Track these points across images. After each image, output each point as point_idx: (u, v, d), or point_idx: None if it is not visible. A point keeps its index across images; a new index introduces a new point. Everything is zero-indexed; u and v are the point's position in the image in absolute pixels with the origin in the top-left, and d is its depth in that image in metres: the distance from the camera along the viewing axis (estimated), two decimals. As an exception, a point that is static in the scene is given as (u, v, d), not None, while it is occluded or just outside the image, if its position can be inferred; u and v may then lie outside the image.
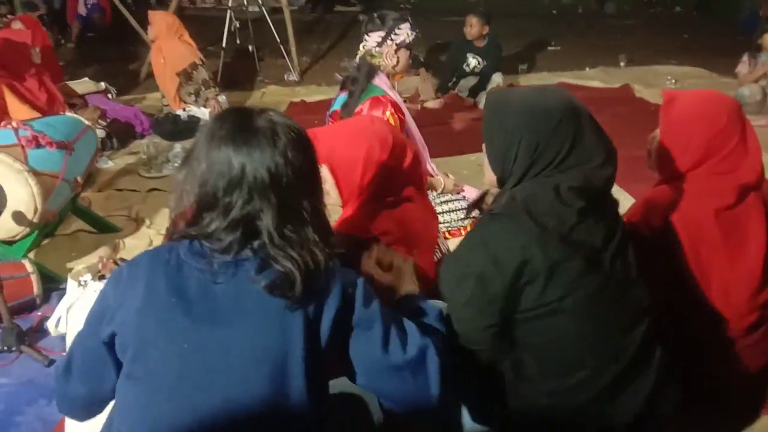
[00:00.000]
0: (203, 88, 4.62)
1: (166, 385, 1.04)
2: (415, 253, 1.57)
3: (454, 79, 5.14)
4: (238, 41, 6.24)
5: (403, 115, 2.58)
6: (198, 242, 1.09)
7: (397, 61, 2.58)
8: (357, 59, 2.65)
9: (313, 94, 5.30)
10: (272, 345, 1.05)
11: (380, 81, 2.55)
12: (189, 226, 1.10)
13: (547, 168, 1.28)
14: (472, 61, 5.03)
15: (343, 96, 2.63)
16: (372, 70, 2.54)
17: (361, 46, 2.59)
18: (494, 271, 1.23)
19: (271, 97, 5.39)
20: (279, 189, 1.06)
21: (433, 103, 4.96)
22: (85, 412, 1.24)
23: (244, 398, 1.03)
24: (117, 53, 6.83)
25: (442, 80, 5.12)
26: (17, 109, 3.54)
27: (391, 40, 2.54)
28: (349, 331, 1.11)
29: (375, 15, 2.59)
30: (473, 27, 4.89)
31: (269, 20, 5.80)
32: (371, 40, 2.56)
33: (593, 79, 5.73)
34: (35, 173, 2.37)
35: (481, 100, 4.84)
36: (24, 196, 2.35)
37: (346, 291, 1.11)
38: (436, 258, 1.67)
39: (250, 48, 6.21)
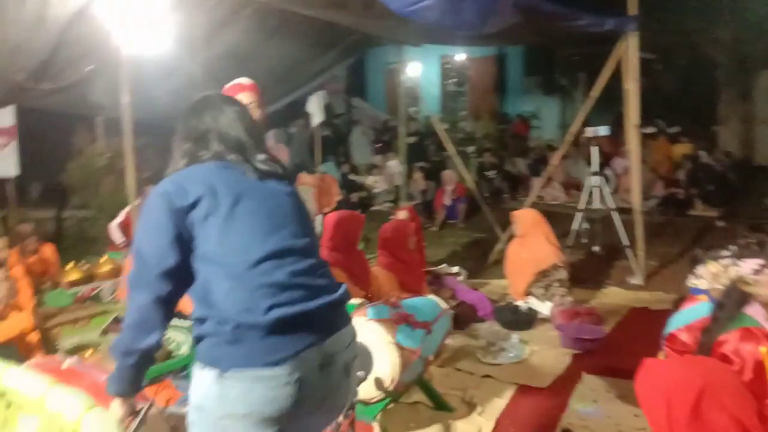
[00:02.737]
0: (556, 285, 4.77)
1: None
2: None
3: None
4: (584, 240, 6.40)
5: (783, 352, 2.25)
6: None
7: (777, 293, 2.32)
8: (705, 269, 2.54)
9: (657, 302, 4.99)
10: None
11: (754, 311, 2.30)
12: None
13: None
14: None
15: (680, 317, 2.52)
16: (744, 298, 2.32)
17: (733, 270, 2.42)
18: None
19: (611, 299, 5.25)
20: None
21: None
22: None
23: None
24: (468, 239, 7.70)
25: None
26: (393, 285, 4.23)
27: (772, 269, 2.31)
28: None
29: (752, 240, 2.43)
30: None
31: (617, 220, 5.86)
32: (746, 266, 2.37)
33: None
34: (399, 347, 2.74)
35: None
36: (387, 365, 2.71)
37: None
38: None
39: (595, 248, 6.31)
